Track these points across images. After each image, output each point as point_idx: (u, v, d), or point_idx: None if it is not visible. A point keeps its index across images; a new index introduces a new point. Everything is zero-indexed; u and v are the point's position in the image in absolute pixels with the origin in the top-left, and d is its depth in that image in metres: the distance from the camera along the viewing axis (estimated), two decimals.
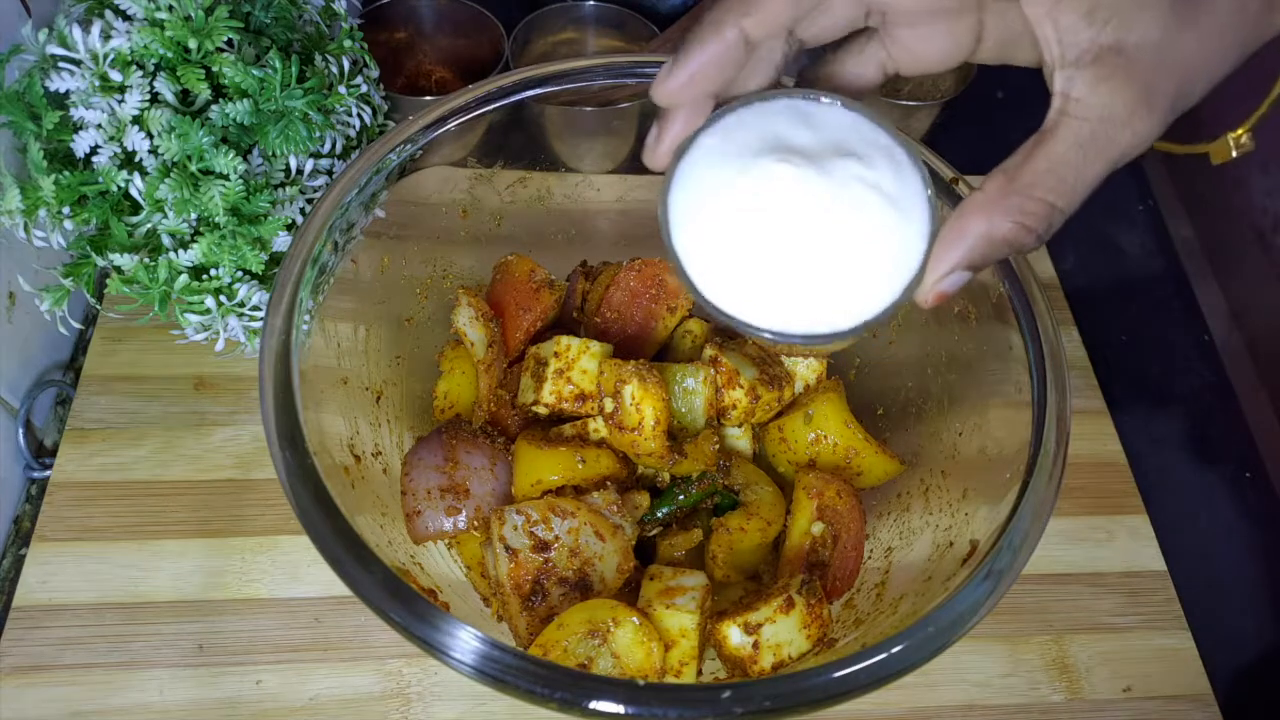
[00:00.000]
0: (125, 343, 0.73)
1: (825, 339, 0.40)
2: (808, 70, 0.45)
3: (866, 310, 0.39)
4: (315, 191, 0.64)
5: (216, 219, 0.58)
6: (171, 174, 0.57)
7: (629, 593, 0.55)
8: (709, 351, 0.61)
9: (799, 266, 0.39)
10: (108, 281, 0.60)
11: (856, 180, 0.39)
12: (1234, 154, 0.46)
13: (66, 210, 0.58)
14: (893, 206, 0.39)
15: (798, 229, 0.39)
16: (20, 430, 0.67)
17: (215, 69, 0.58)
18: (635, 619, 0.50)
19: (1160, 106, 0.36)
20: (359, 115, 0.66)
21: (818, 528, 0.58)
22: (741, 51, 0.39)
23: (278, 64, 0.59)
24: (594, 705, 0.41)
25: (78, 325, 0.67)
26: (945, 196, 0.58)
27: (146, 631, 0.61)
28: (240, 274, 0.61)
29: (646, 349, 0.63)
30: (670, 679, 0.52)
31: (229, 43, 0.59)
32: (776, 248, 0.39)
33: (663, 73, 0.40)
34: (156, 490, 0.67)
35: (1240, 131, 0.45)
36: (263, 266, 0.60)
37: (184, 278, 0.59)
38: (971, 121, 0.94)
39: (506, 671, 0.41)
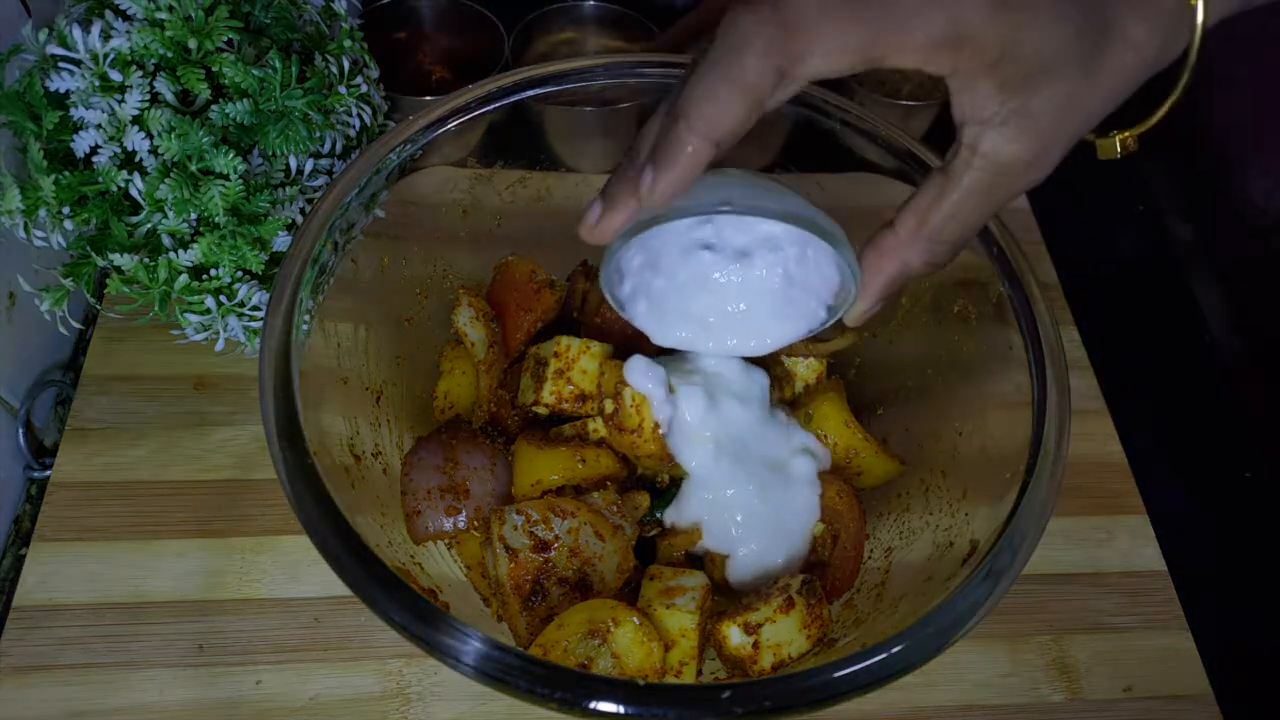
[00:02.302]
0: (125, 343, 0.73)
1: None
2: None
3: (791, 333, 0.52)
4: (315, 191, 0.64)
5: (216, 219, 0.58)
6: (171, 174, 0.57)
7: (629, 593, 0.55)
8: None
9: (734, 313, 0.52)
10: (108, 281, 0.60)
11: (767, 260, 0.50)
12: (1119, 154, 0.49)
13: (66, 210, 0.58)
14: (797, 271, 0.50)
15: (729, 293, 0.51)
16: (20, 430, 0.67)
17: (215, 69, 0.58)
18: (635, 619, 0.50)
19: (1058, 151, 0.40)
20: (359, 115, 0.66)
21: (818, 528, 0.58)
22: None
23: (278, 64, 0.59)
24: (594, 705, 0.41)
25: (78, 325, 0.67)
26: None
27: (146, 631, 0.61)
28: (240, 274, 0.61)
29: (646, 349, 0.63)
30: (670, 679, 0.52)
31: (229, 43, 0.59)
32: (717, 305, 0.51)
33: (619, 206, 0.43)
34: (156, 490, 0.67)
35: (1128, 134, 0.48)
36: (263, 266, 0.60)
37: (184, 278, 0.59)
38: None
39: (506, 671, 0.41)
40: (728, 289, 0.51)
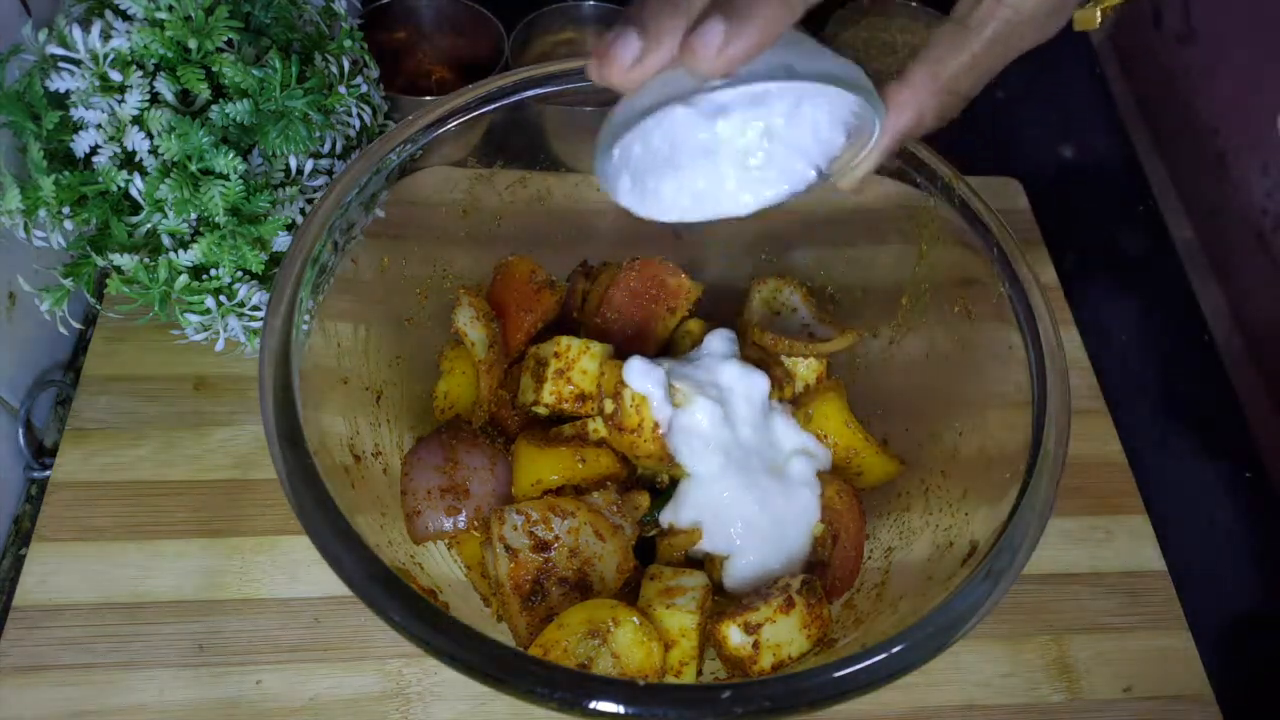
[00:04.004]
0: (125, 343, 0.73)
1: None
2: None
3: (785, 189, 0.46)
4: (315, 191, 0.64)
5: (216, 219, 0.58)
6: (171, 174, 0.57)
7: (629, 593, 0.55)
8: None
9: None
10: (108, 281, 0.60)
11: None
12: (1098, 23, 0.51)
13: (66, 210, 0.58)
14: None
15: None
16: (20, 430, 0.67)
17: (215, 69, 0.58)
18: (635, 619, 0.50)
19: (1071, 7, 0.41)
20: (359, 115, 0.66)
21: (818, 528, 0.58)
22: None
23: (278, 64, 0.59)
24: (594, 705, 0.41)
25: (78, 325, 0.67)
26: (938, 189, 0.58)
27: (146, 631, 0.61)
28: (240, 274, 0.61)
29: (646, 349, 0.63)
30: (670, 679, 0.52)
31: (229, 43, 0.59)
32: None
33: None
34: (156, 490, 0.67)
35: (1106, 4, 0.51)
36: (263, 266, 0.60)
37: (184, 278, 0.59)
38: (971, 121, 0.94)
39: (506, 671, 0.41)
40: (703, 147, 0.45)
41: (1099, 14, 0.49)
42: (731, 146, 0.44)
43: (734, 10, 0.33)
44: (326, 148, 0.64)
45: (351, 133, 0.66)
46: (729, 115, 0.43)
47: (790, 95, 0.43)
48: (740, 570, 0.56)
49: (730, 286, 0.69)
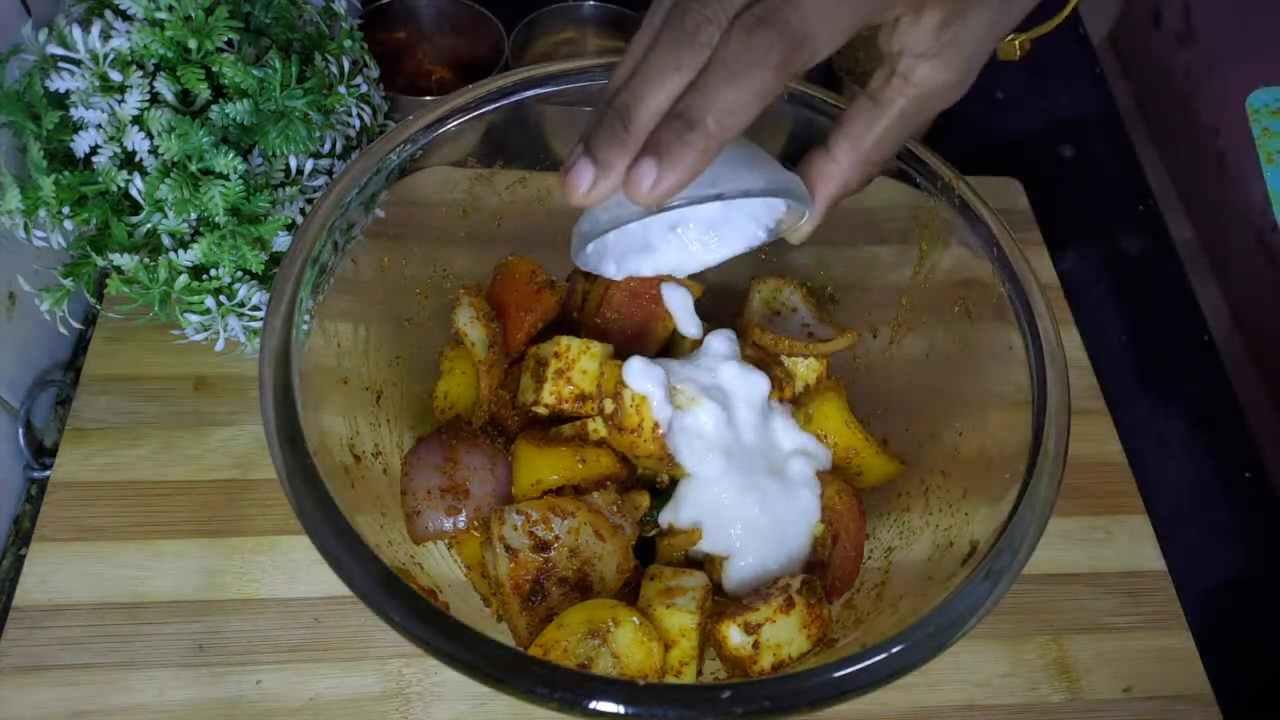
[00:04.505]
0: (125, 343, 0.73)
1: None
2: None
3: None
4: (315, 191, 0.64)
5: (216, 219, 0.58)
6: (171, 174, 0.57)
7: (629, 593, 0.55)
8: None
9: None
10: (108, 281, 0.60)
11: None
12: (1018, 55, 0.57)
13: (66, 210, 0.58)
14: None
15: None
16: (20, 430, 0.67)
17: (215, 69, 0.58)
18: (635, 619, 0.50)
19: (976, 71, 0.45)
20: (359, 115, 0.66)
21: (818, 528, 0.58)
22: None
23: (278, 64, 0.59)
24: (594, 705, 0.41)
25: (78, 325, 0.67)
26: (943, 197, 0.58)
27: (146, 631, 0.61)
28: (240, 274, 0.61)
29: (646, 349, 0.63)
30: (670, 679, 0.52)
31: (229, 43, 0.59)
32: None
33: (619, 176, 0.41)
34: (156, 490, 0.67)
35: (1025, 37, 0.56)
36: (263, 266, 0.60)
37: (184, 278, 0.59)
38: (971, 121, 0.94)
39: (506, 671, 0.41)
40: (669, 219, 0.53)
41: (1018, 47, 0.55)
42: (694, 221, 0.53)
43: (662, 152, 0.39)
44: (326, 148, 0.64)
45: (351, 133, 0.66)
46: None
47: None
48: (740, 571, 0.56)
49: (730, 286, 0.69)
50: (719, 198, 0.44)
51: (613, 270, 0.54)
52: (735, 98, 0.39)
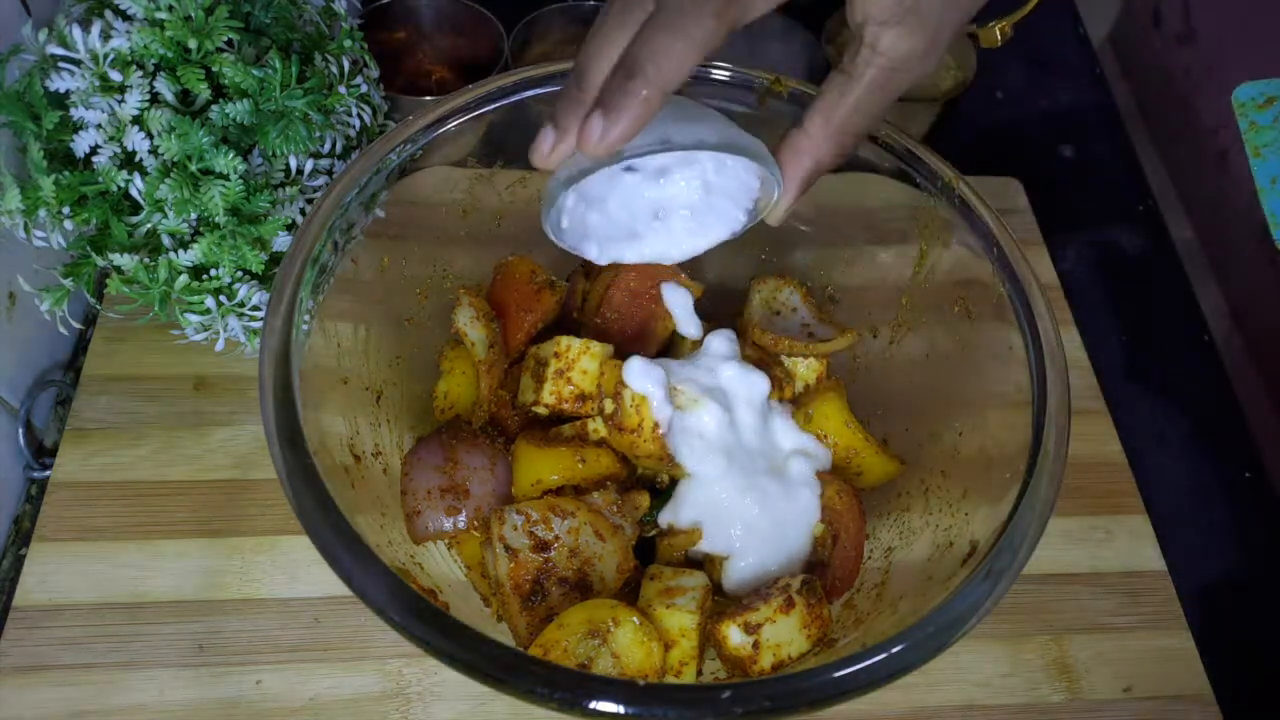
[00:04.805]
0: (125, 343, 0.73)
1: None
2: None
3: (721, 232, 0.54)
4: (315, 191, 0.64)
5: (216, 219, 0.58)
6: (171, 174, 0.57)
7: (629, 593, 0.55)
8: None
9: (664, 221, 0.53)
10: (108, 281, 0.60)
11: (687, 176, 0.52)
12: (999, 42, 0.57)
13: (66, 210, 0.58)
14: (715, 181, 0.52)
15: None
16: (20, 430, 0.67)
17: (215, 69, 0.58)
18: (635, 619, 0.50)
19: (944, 42, 0.45)
20: (359, 115, 0.66)
21: (818, 528, 0.58)
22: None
23: (278, 64, 0.59)
24: (594, 705, 0.41)
25: (78, 325, 0.67)
26: (940, 193, 0.58)
27: (146, 631, 0.61)
28: (240, 274, 0.61)
29: (646, 349, 0.63)
30: (670, 679, 0.52)
31: (229, 43, 0.59)
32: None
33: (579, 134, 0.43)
34: (156, 490, 0.67)
35: (1005, 23, 0.56)
36: (263, 266, 0.60)
37: (184, 278, 0.59)
38: (971, 121, 0.94)
39: (506, 671, 0.41)
40: (652, 205, 0.53)
41: (998, 33, 0.55)
42: (677, 204, 0.52)
43: (607, 104, 0.42)
44: (326, 148, 0.64)
45: (351, 133, 0.66)
46: (670, 175, 0.51)
47: (715, 155, 0.51)
48: (740, 572, 0.56)
49: (730, 286, 0.69)
50: (670, 148, 0.45)
51: (595, 253, 0.53)
52: (672, 44, 0.41)
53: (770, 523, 0.56)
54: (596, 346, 0.58)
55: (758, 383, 0.58)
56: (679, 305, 0.63)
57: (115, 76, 0.56)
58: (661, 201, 0.52)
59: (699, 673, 0.53)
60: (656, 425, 0.56)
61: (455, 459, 0.58)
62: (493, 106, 0.59)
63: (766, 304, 0.67)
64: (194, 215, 0.58)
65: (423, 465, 0.58)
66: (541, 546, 0.52)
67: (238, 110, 0.58)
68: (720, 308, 0.67)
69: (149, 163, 0.57)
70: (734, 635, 0.51)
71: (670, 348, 0.66)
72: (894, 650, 0.43)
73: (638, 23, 0.42)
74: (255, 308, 0.62)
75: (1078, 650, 0.66)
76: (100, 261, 0.60)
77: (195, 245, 0.58)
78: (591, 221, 0.53)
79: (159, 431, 0.69)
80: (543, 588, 0.52)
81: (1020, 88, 1.00)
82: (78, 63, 0.56)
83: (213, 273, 0.60)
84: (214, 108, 0.58)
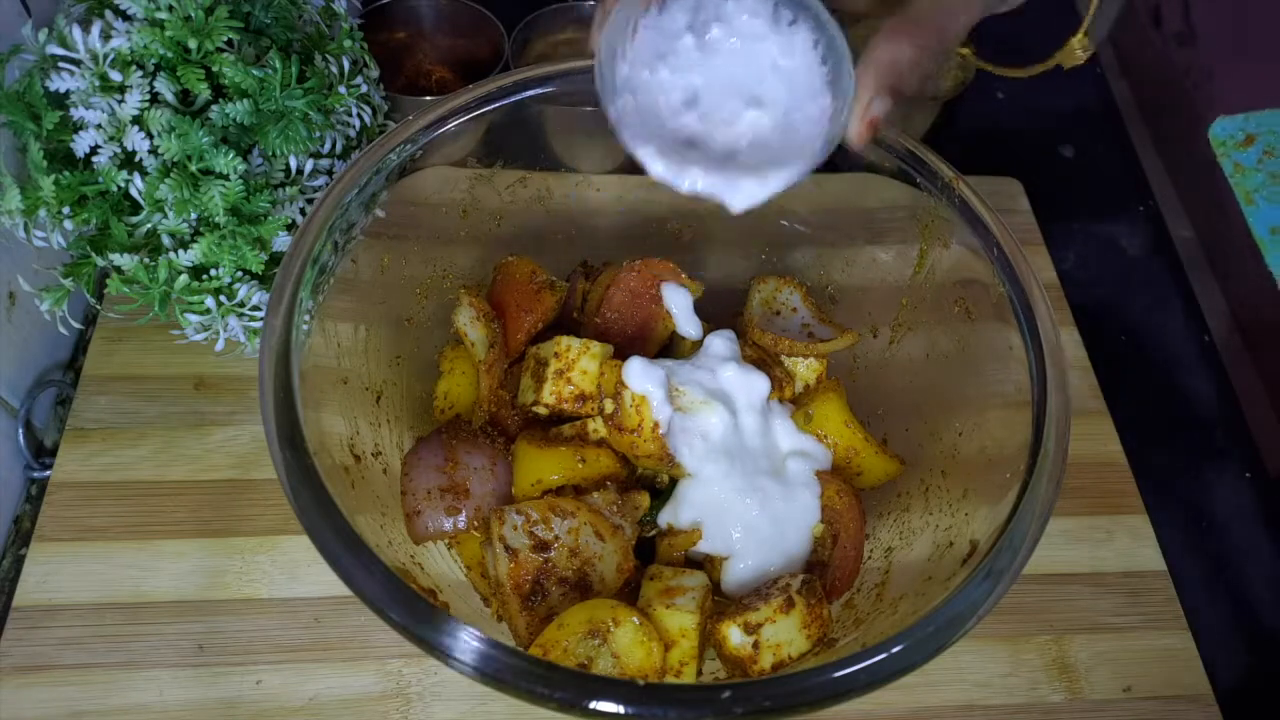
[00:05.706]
0: (125, 343, 0.73)
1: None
2: None
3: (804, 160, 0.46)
4: (315, 191, 0.64)
5: (216, 219, 0.58)
6: (171, 174, 0.57)
7: (629, 593, 0.55)
8: None
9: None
10: (108, 281, 0.60)
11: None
12: (1081, 56, 0.55)
13: (66, 210, 0.58)
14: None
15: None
16: (20, 430, 0.67)
17: (215, 69, 0.58)
18: (635, 619, 0.50)
19: None
20: (359, 115, 0.66)
21: (818, 528, 0.58)
22: None
23: (278, 64, 0.59)
24: (594, 705, 0.41)
25: (78, 325, 0.67)
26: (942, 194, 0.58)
27: (146, 631, 0.61)
28: (240, 274, 0.61)
29: (646, 349, 0.63)
30: (670, 679, 0.52)
31: (229, 43, 0.59)
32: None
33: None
34: (156, 490, 0.67)
35: (1080, 33, 0.54)
36: (263, 266, 0.60)
37: (184, 278, 0.59)
38: (971, 122, 0.94)
39: (506, 671, 0.41)
40: (730, 144, 0.47)
41: (1077, 46, 0.53)
42: (753, 139, 0.47)
43: None
44: (326, 148, 0.64)
45: (351, 133, 0.66)
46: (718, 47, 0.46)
47: (775, 39, 0.46)
48: (740, 571, 0.56)
49: (730, 286, 0.69)
50: None
51: (660, 168, 0.46)
52: None
53: (770, 523, 0.56)
54: (596, 346, 0.58)
55: (758, 383, 0.58)
56: (679, 305, 0.63)
57: (115, 76, 0.56)
58: (738, 135, 0.46)
59: (699, 673, 0.53)
60: (656, 425, 0.56)
61: (455, 459, 0.58)
62: (493, 106, 0.59)
63: (766, 304, 0.67)
64: (194, 215, 0.58)
65: (423, 465, 0.58)
66: (541, 546, 0.52)
67: (238, 110, 0.58)
68: (720, 308, 0.67)
69: (149, 163, 0.57)
70: (734, 635, 0.51)
71: (670, 348, 0.66)
72: (894, 650, 0.43)
73: None
74: (255, 308, 0.62)
75: (1078, 650, 0.66)
76: (100, 261, 0.60)
77: (195, 245, 0.58)
78: (644, 106, 0.46)
79: (159, 431, 0.69)
80: (543, 588, 0.52)
81: (1020, 88, 1.00)
82: (78, 63, 0.56)
83: (213, 273, 0.60)
84: (214, 108, 0.58)
